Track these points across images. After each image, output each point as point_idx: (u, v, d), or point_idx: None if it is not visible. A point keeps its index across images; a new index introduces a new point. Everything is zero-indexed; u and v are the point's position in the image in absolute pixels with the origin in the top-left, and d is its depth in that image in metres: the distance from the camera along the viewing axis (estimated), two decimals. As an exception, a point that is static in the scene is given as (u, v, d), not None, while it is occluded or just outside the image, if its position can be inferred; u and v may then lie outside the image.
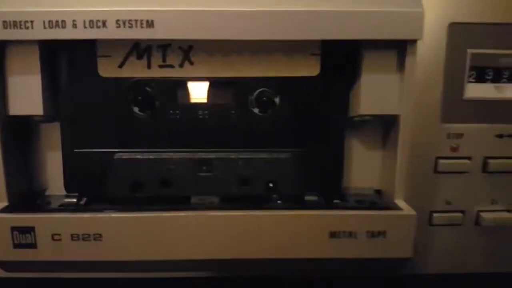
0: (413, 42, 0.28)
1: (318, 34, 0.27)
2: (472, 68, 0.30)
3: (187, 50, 0.29)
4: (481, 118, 0.30)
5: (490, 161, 0.30)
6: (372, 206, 0.29)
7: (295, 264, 0.29)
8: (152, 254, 0.28)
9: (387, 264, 0.29)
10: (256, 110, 0.30)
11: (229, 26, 0.27)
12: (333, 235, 0.28)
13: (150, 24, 0.26)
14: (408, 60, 0.28)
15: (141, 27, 0.26)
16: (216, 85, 0.30)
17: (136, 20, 0.26)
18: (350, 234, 0.28)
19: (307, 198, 0.30)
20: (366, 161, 0.32)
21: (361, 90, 0.29)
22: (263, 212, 0.28)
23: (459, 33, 0.28)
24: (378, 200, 0.31)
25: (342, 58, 0.29)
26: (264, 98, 0.30)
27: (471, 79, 0.30)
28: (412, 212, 0.28)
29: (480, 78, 0.30)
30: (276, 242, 0.28)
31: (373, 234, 0.28)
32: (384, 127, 0.31)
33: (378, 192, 0.32)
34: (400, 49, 0.28)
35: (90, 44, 0.29)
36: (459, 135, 0.30)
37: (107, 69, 0.29)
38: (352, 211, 0.28)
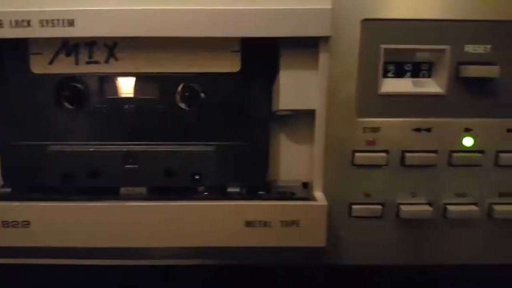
0: (326, 39, 0.29)
1: (233, 32, 0.28)
2: (390, 63, 0.31)
3: (112, 46, 0.30)
4: (398, 113, 0.30)
5: (408, 154, 0.31)
6: (286, 196, 0.30)
7: (214, 252, 0.30)
8: (77, 241, 0.30)
9: (305, 253, 0.31)
10: (180, 105, 0.31)
11: (149, 24, 0.28)
12: (248, 224, 0.29)
13: (71, 23, 0.28)
14: (322, 57, 0.29)
15: (63, 26, 0.28)
16: (141, 80, 0.31)
17: (58, 20, 0.28)
18: (265, 223, 0.29)
19: (230, 189, 0.31)
20: (294, 154, 0.33)
21: (279, 86, 0.30)
22: (182, 202, 0.29)
23: (372, 29, 0.29)
24: (299, 192, 0.32)
25: (262, 55, 0.30)
26: (187, 93, 0.31)
27: (390, 74, 0.31)
28: (324, 202, 0.29)
29: (399, 73, 0.31)
30: (195, 231, 0.29)
31: (286, 223, 0.29)
32: (312, 121, 0.32)
33: (305, 184, 0.33)
34: (314, 45, 0.29)
35: (23, 42, 0.30)
36: (376, 129, 0.30)
37: (38, 65, 0.30)
38: (266, 201, 0.29)
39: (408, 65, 0.31)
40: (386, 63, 0.30)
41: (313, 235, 0.29)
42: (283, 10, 0.28)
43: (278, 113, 0.31)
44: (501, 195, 0.32)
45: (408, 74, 0.31)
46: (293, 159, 0.33)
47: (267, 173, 0.32)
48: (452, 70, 0.30)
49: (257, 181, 0.32)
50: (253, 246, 0.29)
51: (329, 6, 0.28)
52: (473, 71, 0.29)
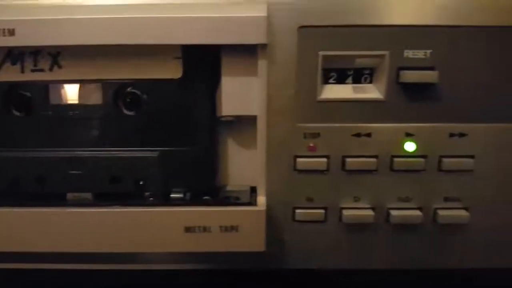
0: (263, 46, 0.29)
1: (172, 39, 0.29)
2: (331, 69, 0.31)
3: (55, 55, 0.30)
4: (338, 118, 0.30)
5: (348, 159, 0.31)
6: (226, 201, 0.31)
7: (154, 258, 0.31)
8: (23, 246, 0.30)
9: (246, 258, 0.31)
10: (124, 111, 0.32)
11: (90, 32, 0.29)
12: (188, 229, 0.30)
13: (11, 32, 0.29)
14: (260, 63, 0.30)
15: (4, 35, 0.29)
16: (85, 87, 0.31)
17: (-1, 29, 0.29)
18: (204, 229, 0.30)
19: (173, 195, 0.32)
20: (244, 159, 0.33)
21: (222, 92, 0.31)
22: (123, 208, 0.30)
23: (309, 36, 0.29)
24: (245, 196, 0.32)
25: (204, 62, 0.30)
26: (130, 100, 0.31)
27: (331, 80, 0.31)
28: (262, 207, 0.30)
29: (340, 79, 0.31)
30: (136, 236, 0.30)
31: (226, 229, 0.30)
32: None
33: (254, 189, 0.33)
34: (255, 52, 0.30)
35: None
36: (316, 135, 0.30)
37: (-14, 74, 0.31)
38: (206, 207, 0.30)
39: (350, 71, 0.31)
40: (327, 69, 0.31)
41: (252, 240, 0.30)
42: (220, 18, 0.28)
43: (223, 119, 0.32)
44: (446, 199, 0.32)
45: (350, 80, 0.31)
46: (243, 164, 0.33)
47: (216, 178, 0.33)
48: (392, 76, 0.30)
49: (203, 186, 0.32)
50: (192, 251, 0.30)
51: (264, 14, 0.28)
52: (412, 76, 0.29)
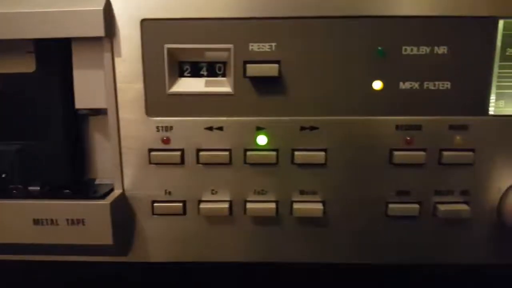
0: (106, 39, 0.29)
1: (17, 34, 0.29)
2: (186, 62, 0.31)
3: None
4: (190, 112, 0.30)
5: (201, 153, 0.30)
6: (73, 195, 0.31)
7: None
8: None
9: (98, 251, 0.31)
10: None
11: None
12: (36, 222, 0.30)
13: None
14: (105, 57, 0.30)
15: None
16: None
17: None
18: (52, 222, 0.30)
19: (31, 188, 0.32)
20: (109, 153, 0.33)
21: (74, 85, 0.31)
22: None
23: (153, 29, 0.29)
24: (104, 190, 0.32)
25: (57, 55, 0.31)
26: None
27: (186, 74, 0.31)
28: (107, 201, 0.30)
29: (195, 72, 0.31)
30: (-12, 229, 0.30)
31: (73, 222, 0.30)
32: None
33: (122, 182, 0.34)
34: (101, 45, 0.30)
35: None
36: (169, 128, 0.30)
37: None
38: (53, 200, 0.30)
39: (204, 64, 0.31)
40: (183, 62, 0.31)
41: (99, 233, 0.30)
42: (59, 12, 0.28)
43: (79, 112, 0.32)
44: (302, 193, 0.32)
45: (205, 73, 0.31)
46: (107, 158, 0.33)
47: (76, 172, 0.33)
48: (239, 69, 0.30)
49: (60, 180, 0.32)
50: (41, 243, 0.30)
51: (101, 7, 0.28)
52: (255, 69, 0.29)
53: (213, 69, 0.31)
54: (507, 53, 0.30)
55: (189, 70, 0.31)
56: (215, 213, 0.32)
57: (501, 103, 0.30)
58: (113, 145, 0.31)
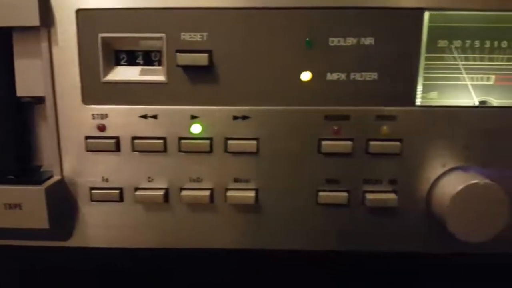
0: (42, 28, 0.30)
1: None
2: (122, 51, 0.31)
3: None
4: (124, 100, 0.31)
5: (136, 141, 0.31)
6: (11, 180, 0.31)
7: None
8: None
9: (36, 235, 0.32)
10: None
11: None
12: (-25, 206, 0.31)
13: None
14: (42, 46, 0.30)
15: None
16: None
17: None
18: (-9, 206, 0.31)
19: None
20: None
21: (15, 73, 0.31)
22: None
23: (88, 18, 0.30)
24: (45, 177, 0.33)
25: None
26: None
27: (123, 62, 0.32)
28: (42, 187, 0.30)
29: (131, 61, 0.32)
30: None
31: (10, 206, 0.31)
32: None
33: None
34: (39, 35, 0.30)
35: None
36: (104, 116, 0.31)
37: None
38: (-10, 185, 0.31)
39: (139, 53, 0.32)
40: (118, 51, 0.31)
41: (36, 218, 0.31)
42: (-2, 1, 0.29)
43: (22, 100, 0.33)
44: (236, 180, 0.32)
45: (141, 62, 0.32)
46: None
47: (26, 158, 0.33)
48: (171, 58, 0.30)
49: (6, 166, 0.33)
50: (-22, 227, 0.31)
51: (35, -3, 0.29)
52: (187, 59, 0.30)
53: (149, 58, 0.32)
54: (433, 45, 0.30)
55: (125, 58, 0.32)
56: (151, 200, 0.32)
57: (428, 94, 0.31)
58: (51, 132, 0.32)
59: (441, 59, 0.31)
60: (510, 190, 0.30)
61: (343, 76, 0.30)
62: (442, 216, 0.30)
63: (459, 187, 0.29)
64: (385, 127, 0.31)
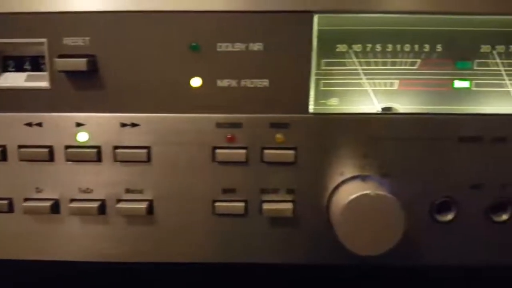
0: None
1: None
2: (10, 57, 0.30)
3: None
4: (9, 107, 0.30)
5: (21, 150, 0.30)
6: None
7: None
8: None
9: None
10: None
11: None
12: None
13: None
14: None
15: None
16: None
17: None
18: None
19: None
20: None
21: None
22: None
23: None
24: None
25: None
26: None
27: (10, 68, 0.30)
28: None
29: (19, 67, 0.30)
30: None
31: None
32: None
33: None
34: None
35: None
36: (-12, 123, 0.30)
37: None
38: None
39: (26, 59, 0.30)
40: (6, 57, 0.30)
41: None
42: None
43: None
44: (128, 191, 0.31)
45: (29, 67, 0.30)
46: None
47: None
48: (54, 64, 0.29)
49: None
50: None
51: None
52: (66, 64, 0.28)
53: (37, 64, 0.31)
54: (332, 50, 0.29)
55: (13, 64, 0.30)
56: (40, 211, 0.31)
57: (328, 100, 0.30)
58: None
59: (340, 64, 0.30)
60: (410, 201, 0.30)
61: (233, 82, 0.29)
62: (335, 226, 0.29)
63: (350, 197, 0.28)
64: (279, 135, 0.30)
